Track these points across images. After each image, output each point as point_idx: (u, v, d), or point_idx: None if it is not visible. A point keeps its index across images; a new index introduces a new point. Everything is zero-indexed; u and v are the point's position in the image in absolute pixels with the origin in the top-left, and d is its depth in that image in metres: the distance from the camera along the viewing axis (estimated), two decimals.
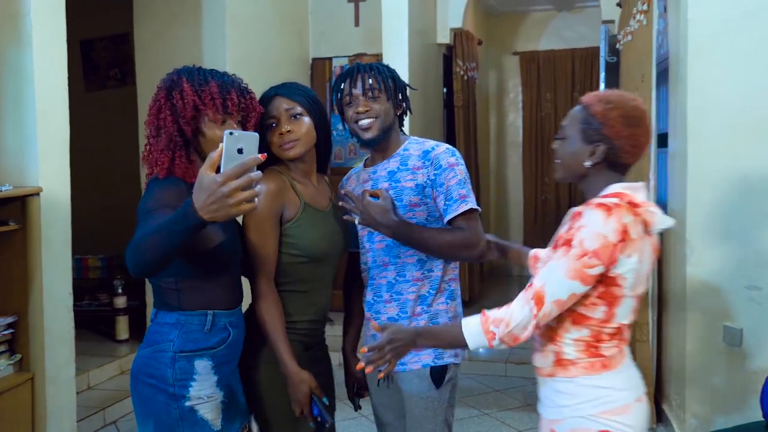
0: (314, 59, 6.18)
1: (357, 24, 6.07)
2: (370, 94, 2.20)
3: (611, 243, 1.65)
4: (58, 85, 3.35)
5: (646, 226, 1.72)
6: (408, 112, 2.34)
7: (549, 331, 1.81)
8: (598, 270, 1.67)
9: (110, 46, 6.67)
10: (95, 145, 6.24)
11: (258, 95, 2.12)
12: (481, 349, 2.20)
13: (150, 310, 4.92)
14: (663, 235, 4.03)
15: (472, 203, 2.18)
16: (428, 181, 2.19)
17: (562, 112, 7.92)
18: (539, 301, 1.69)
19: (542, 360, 1.86)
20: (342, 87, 2.25)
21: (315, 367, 2.18)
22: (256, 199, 1.49)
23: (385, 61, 5.04)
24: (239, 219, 2.10)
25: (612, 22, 5.56)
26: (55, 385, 3.30)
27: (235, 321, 2.03)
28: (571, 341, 1.78)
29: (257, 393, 2.15)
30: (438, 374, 2.21)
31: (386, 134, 2.24)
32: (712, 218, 3.40)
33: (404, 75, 4.93)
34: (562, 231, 1.78)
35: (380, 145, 2.26)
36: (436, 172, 2.19)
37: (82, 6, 6.01)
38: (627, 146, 1.75)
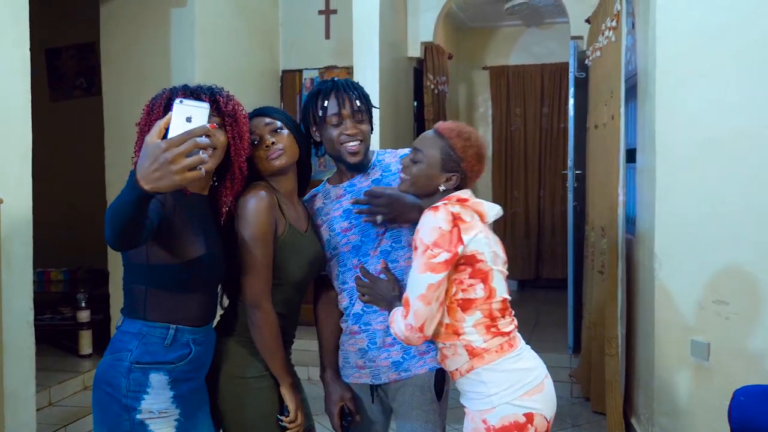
0: (284, 71, 6.14)
1: (328, 36, 6.06)
2: (358, 116, 2.20)
3: (446, 231, 1.90)
4: (21, 95, 3.27)
5: (480, 217, 2.00)
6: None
7: (448, 329, 1.99)
8: (444, 257, 1.89)
9: (76, 56, 6.58)
10: (60, 156, 6.14)
11: None
12: None
13: (113, 323, 4.90)
14: (632, 249, 4.06)
15: None
16: None
17: (531, 126, 7.99)
18: (406, 303, 1.95)
19: (457, 360, 2.01)
20: (326, 104, 2.20)
21: None
22: (202, 169, 1.44)
23: (356, 73, 5.04)
24: (242, 232, 2.07)
25: (581, 38, 5.60)
26: (14, 402, 3.21)
27: (199, 339, 1.99)
28: (471, 328, 1.97)
29: (232, 407, 2.11)
30: (440, 382, 2.22)
31: (366, 155, 2.26)
32: (680, 233, 3.42)
33: (375, 88, 4.95)
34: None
35: (359, 166, 2.26)
36: None
37: (48, 14, 5.93)
38: (474, 177, 2.06)
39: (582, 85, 5.30)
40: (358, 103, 2.19)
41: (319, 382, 2.39)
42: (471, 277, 1.95)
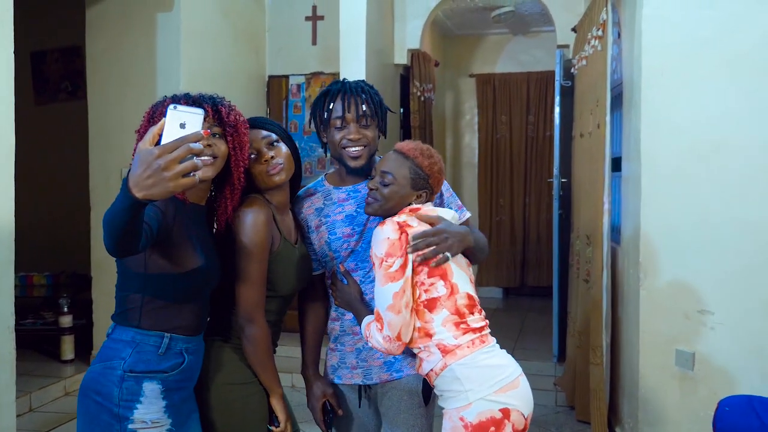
0: (271, 77, 6.13)
1: (314, 42, 6.05)
2: (363, 121, 2.18)
3: (395, 239, 1.99)
4: (5, 98, 3.24)
5: (434, 223, 2.07)
6: (383, 136, 2.32)
7: (420, 332, 2.03)
8: (398, 264, 1.98)
9: (62, 59, 6.54)
10: (44, 159, 6.10)
11: None
12: None
13: (96, 329, 4.86)
14: (617, 257, 4.07)
15: (468, 211, 2.32)
16: None
17: (517, 134, 7.99)
18: (378, 317, 2.01)
19: (432, 360, 2.03)
20: (331, 107, 2.18)
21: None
22: (197, 175, 1.41)
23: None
24: (239, 246, 2.04)
25: (567, 46, 5.62)
26: None
27: (192, 348, 1.97)
28: (441, 327, 2.01)
29: (222, 414, 2.09)
30: (428, 386, 2.20)
31: (370, 160, 2.23)
32: (666, 242, 3.43)
33: None
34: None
35: (363, 171, 2.24)
36: None
37: (34, 18, 5.89)
38: (437, 190, 2.18)
39: (568, 94, 5.32)
40: (364, 107, 2.17)
41: (304, 390, 2.37)
42: (430, 276, 2.02)
